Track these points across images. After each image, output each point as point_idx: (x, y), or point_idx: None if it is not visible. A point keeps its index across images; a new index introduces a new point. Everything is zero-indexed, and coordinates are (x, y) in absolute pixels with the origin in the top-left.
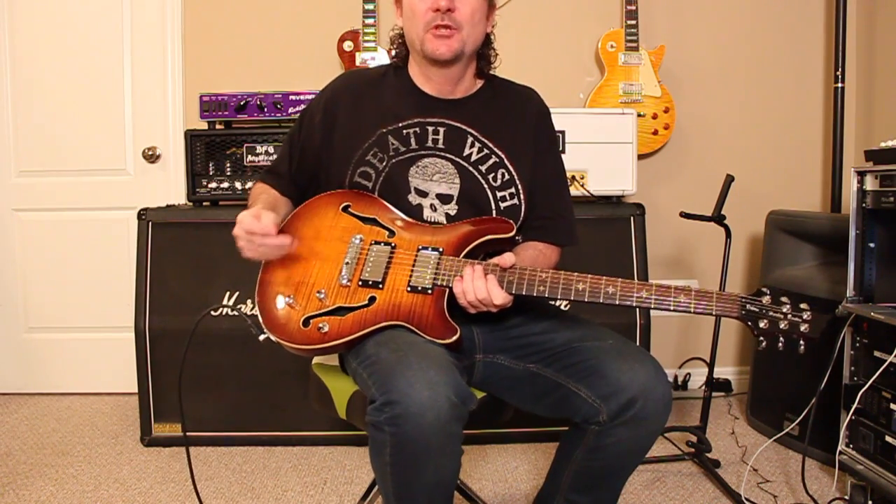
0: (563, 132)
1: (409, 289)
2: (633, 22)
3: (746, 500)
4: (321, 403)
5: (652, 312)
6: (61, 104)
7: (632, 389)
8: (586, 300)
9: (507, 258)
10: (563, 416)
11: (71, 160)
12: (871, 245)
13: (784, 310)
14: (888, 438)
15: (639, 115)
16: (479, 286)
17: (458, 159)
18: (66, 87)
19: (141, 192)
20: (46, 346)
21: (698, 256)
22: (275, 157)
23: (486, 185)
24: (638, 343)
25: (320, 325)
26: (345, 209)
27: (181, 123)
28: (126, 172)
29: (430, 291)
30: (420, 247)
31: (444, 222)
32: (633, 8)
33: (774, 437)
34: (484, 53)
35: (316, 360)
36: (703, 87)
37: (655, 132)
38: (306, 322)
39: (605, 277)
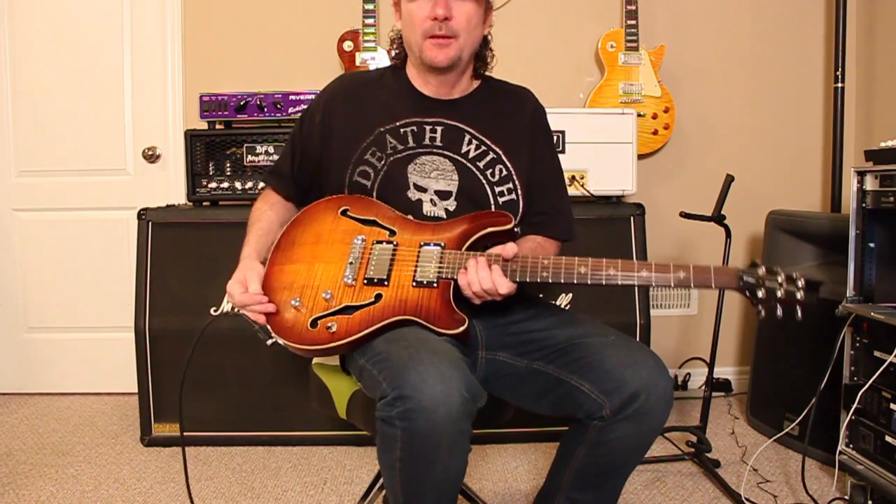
0: (563, 132)
1: (414, 283)
2: (633, 22)
3: (746, 500)
4: (321, 403)
5: (652, 312)
6: (61, 104)
7: (634, 384)
8: (589, 283)
9: (509, 248)
10: (566, 412)
11: (71, 160)
12: (871, 245)
13: (779, 279)
14: (888, 438)
15: (639, 115)
16: (483, 276)
17: (456, 156)
18: (65, 87)
19: (141, 192)
20: (46, 346)
21: (698, 256)
22: (275, 157)
23: (484, 181)
24: None
25: (328, 324)
26: (343, 213)
27: (181, 123)
28: (126, 172)
29: (435, 285)
30: (422, 243)
31: (444, 217)
32: (633, 8)
33: (774, 437)
34: (481, 54)
35: (316, 359)
36: (703, 87)
37: (655, 132)
38: (314, 323)
39: (605, 260)
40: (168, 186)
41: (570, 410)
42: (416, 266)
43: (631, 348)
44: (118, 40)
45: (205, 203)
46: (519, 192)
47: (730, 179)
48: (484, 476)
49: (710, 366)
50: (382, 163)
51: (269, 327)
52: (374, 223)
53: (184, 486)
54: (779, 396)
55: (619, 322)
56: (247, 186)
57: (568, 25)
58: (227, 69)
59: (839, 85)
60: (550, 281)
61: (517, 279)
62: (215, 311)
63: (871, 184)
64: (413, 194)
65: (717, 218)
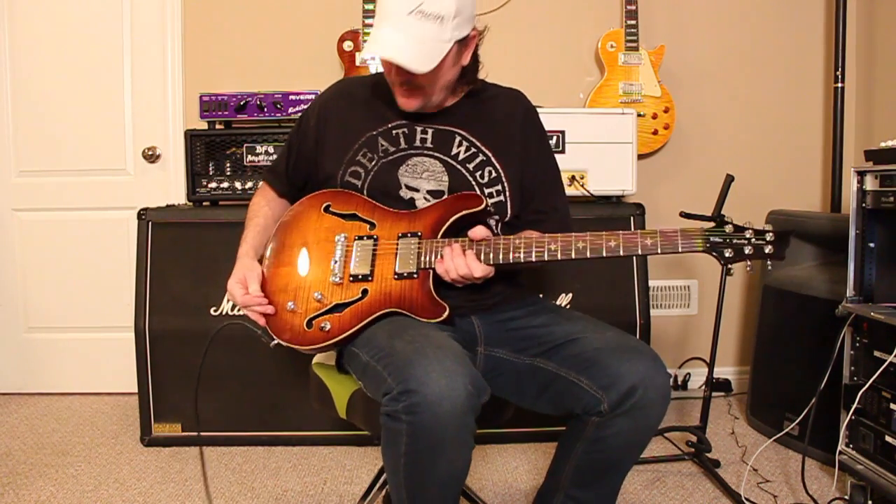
0: (563, 132)
1: (395, 276)
2: (633, 22)
3: (746, 499)
4: (321, 403)
5: (652, 312)
6: (61, 104)
7: (632, 379)
8: (559, 258)
9: (478, 231)
10: (565, 408)
11: (71, 160)
12: (871, 245)
13: (747, 235)
14: (888, 438)
15: (639, 115)
16: (459, 263)
17: (445, 158)
18: (66, 87)
19: (141, 192)
20: (46, 346)
21: (698, 256)
22: (275, 157)
23: (473, 182)
24: None
25: (322, 324)
26: (326, 209)
27: (181, 123)
28: (126, 172)
29: (415, 276)
30: (400, 234)
31: None
32: (633, 8)
33: (774, 437)
34: (466, 72)
35: (316, 359)
36: (703, 87)
37: (655, 132)
38: (309, 324)
39: (574, 234)
40: (168, 186)
41: (569, 406)
42: (397, 258)
43: (628, 344)
44: (118, 40)
45: (205, 203)
46: (507, 193)
47: (730, 179)
48: (484, 476)
49: (710, 366)
50: (373, 163)
51: (269, 329)
52: (354, 217)
53: (184, 486)
54: (779, 396)
55: (619, 322)
56: (247, 186)
57: (568, 25)
58: (227, 69)
59: (839, 85)
60: (522, 260)
61: (490, 262)
62: (215, 311)
63: (871, 184)
64: (405, 193)
65: (717, 218)
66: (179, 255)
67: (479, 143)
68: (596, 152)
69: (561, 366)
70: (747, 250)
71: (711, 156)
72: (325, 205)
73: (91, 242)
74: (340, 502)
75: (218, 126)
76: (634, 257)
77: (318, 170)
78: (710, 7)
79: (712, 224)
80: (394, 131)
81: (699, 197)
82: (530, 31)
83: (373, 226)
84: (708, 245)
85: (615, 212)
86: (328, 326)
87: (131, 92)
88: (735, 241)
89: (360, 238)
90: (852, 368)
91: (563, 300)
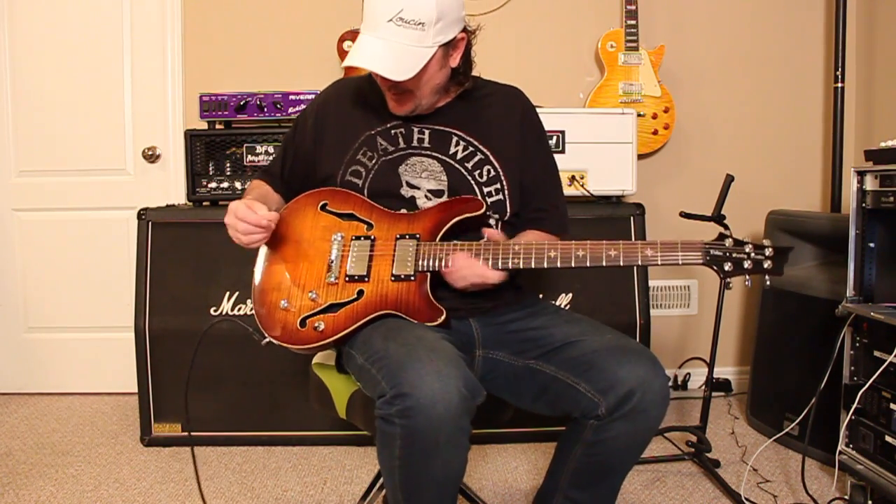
0: (563, 132)
1: (392, 278)
2: (633, 22)
3: (746, 499)
4: (321, 403)
5: (652, 312)
6: (61, 104)
7: (630, 382)
8: (559, 266)
9: (494, 234)
10: (563, 411)
11: (71, 160)
12: (871, 245)
13: (746, 250)
14: (888, 438)
15: (639, 115)
16: (473, 270)
17: (444, 157)
18: (66, 86)
19: (141, 192)
20: (46, 346)
21: None
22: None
23: (472, 181)
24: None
25: (316, 324)
26: (323, 208)
27: (181, 123)
28: (126, 172)
29: (412, 278)
30: (398, 236)
31: None
32: (633, 8)
33: (774, 437)
34: (458, 72)
35: (316, 359)
36: (703, 87)
37: (655, 132)
38: (303, 323)
39: (574, 242)
40: (168, 186)
41: (567, 409)
42: (394, 260)
43: (627, 347)
44: (118, 40)
45: (205, 203)
46: (506, 191)
47: (730, 179)
48: (484, 476)
49: (710, 366)
50: (374, 162)
51: (261, 327)
52: (351, 216)
53: (184, 486)
54: (779, 396)
55: (619, 322)
56: (247, 186)
57: (568, 25)
58: (227, 69)
59: (839, 85)
60: (522, 266)
61: (499, 266)
62: (215, 310)
63: (871, 184)
64: (407, 192)
65: (717, 218)
66: (179, 255)
67: (476, 143)
68: (596, 152)
69: (559, 369)
70: (746, 265)
71: (711, 156)
72: (321, 203)
73: (91, 242)
74: (340, 502)
75: (218, 126)
76: None
77: (317, 170)
78: (710, 7)
79: (714, 233)
80: (392, 131)
81: (699, 197)
82: (530, 31)
83: (370, 226)
84: (708, 258)
85: (615, 212)
86: (322, 326)
87: (131, 92)
88: (735, 254)
89: (358, 238)
90: (852, 368)
91: (563, 300)
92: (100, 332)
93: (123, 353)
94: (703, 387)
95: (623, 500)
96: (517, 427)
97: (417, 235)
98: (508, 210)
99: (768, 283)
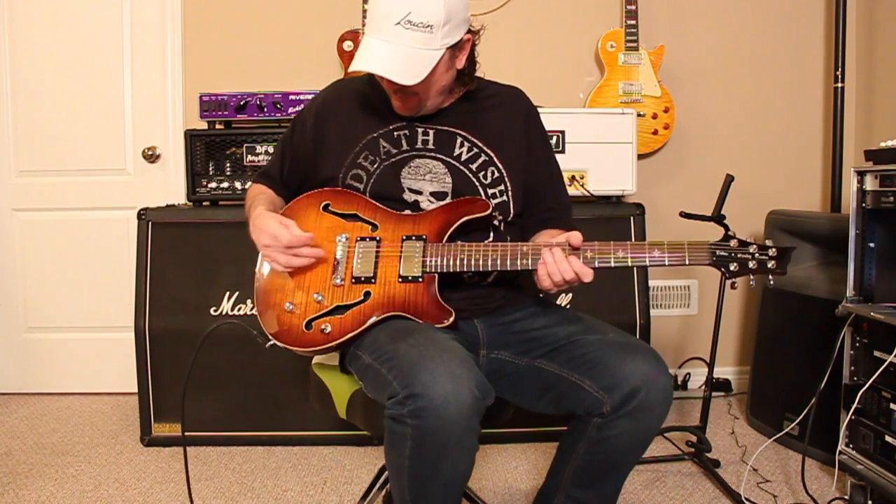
0: (563, 132)
1: (400, 279)
2: (633, 22)
3: (746, 499)
4: (321, 403)
5: (652, 312)
6: (61, 104)
7: (634, 380)
8: (597, 266)
9: (575, 237)
10: (567, 409)
11: (71, 160)
12: (871, 245)
13: (751, 250)
14: (888, 438)
15: (639, 115)
16: (564, 268)
17: (448, 159)
18: (66, 86)
19: (141, 192)
20: (46, 346)
21: None
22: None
23: (476, 183)
24: None
25: (322, 326)
26: (325, 208)
27: (181, 123)
28: (126, 172)
29: (420, 279)
30: (404, 236)
31: None
32: (633, 8)
33: (774, 437)
34: (463, 73)
35: (316, 359)
36: (703, 87)
37: (655, 132)
38: (308, 325)
39: (583, 243)
40: (168, 186)
41: (571, 407)
42: (401, 261)
43: (630, 345)
44: (118, 40)
45: (205, 203)
46: (510, 193)
47: (730, 179)
48: (484, 476)
49: (710, 366)
50: (375, 166)
51: (265, 329)
52: (355, 217)
53: (184, 486)
54: (779, 396)
55: (619, 322)
56: (247, 186)
57: (568, 25)
58: (227, 69)
59: (839, 85)
60: (519, 267)
61: (595, 266)
62: (215, 311)
63: (871, 184)
64: (409, 196)
65: (717, 218)
66: (179, 255)
67: (480, 144)
68: (596, 152)
69: (563, 367)
70: (751, 265)
71: (711, 156)
72: (324, 203)
73: (91, 242)
74: (340, 502)
75: (218, 126)
76: None
77: (317, 172)
78: (710, 7)
79: (714, 233)
80: (395, 133)
81: (699, 197)
82: (530, 31)
83: (375, 227)
84: (714, 258)
85: (615, 212)
86: (329, 328)
87: (131, 92)
88: (740, 255)
89: (363, 239)
90: (852, 368)
91: (564, 300)
92: (100, 332)
93: (123, 353)
94: (703, 387)
95: (623, 500)
96: (517, 427)
97: (424, 236)
98: (512, 211)
99: (772, 282)
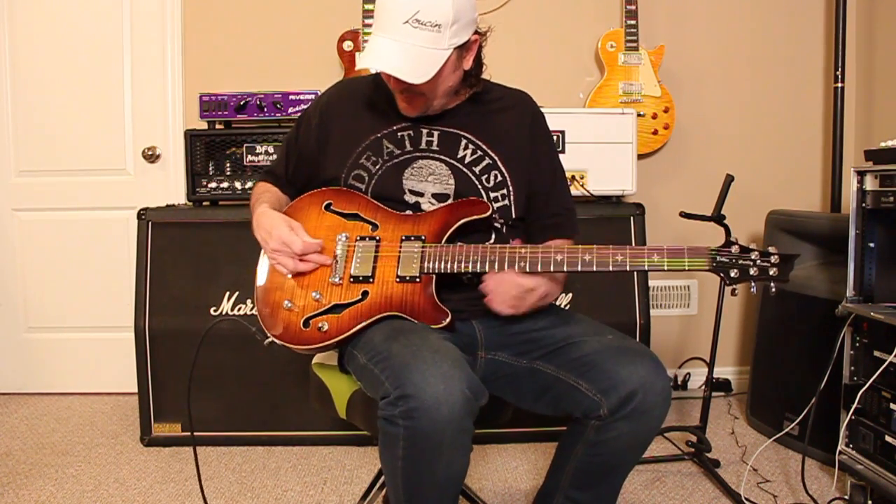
0: (563, 132)
1: (397, 280)
2: (633, 22)
3: (746, 499)
4: (321, 403)
5: (652, 312)
6: (61, 104)
7: (632, 383)
8: (565, 270)
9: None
10: (564, 411)
11: (71, 160)
12: (871, 245)
13: (752, 257)
14: (888, 438)
15: (639, 115)
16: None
17: (452, 161)
18: (65, 87)
19: (141, 191)
20: (46, 346)
21: None
22: (275, 157)
23: (479, 186)
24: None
25: (320, 324)
26: (327, 207)
27: (181, 123)
28: (126, 172)
29: (418, 280)
30: (403, 237)
31: None
32: (633, 8)
33: (774, 437)
34: (470, 74)
35: (316, 359)
36: (703, 87)
37: (655, 132)
38: (306, 323)
39: (581, 247)
40: (168, 186)
41: (569, 409)
42: (399, 262)
43: (628, 347)
44: (118, 40)
45: (205, 203)
46: (512, 197)
47: (730, 179)
48: (484, 476)
49: (710, 366)
50: (378, 167)
51: (264, 327)
52: (356, 217)
53: (184, 486)
54: (779, 396)
55: (619, 322)
56: (247, 186)
57: (568, 25)
58: (227, 69)
59: (839, 85)
60: (528, 270)
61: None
62: (215, 311)
63: (871, 184)
64: (410, 198)
65: (717, 218)
66: (179, 255)
67: (485, 147)
68: (596, 152)
69: (560, 369)
70: (752, 271)
71: (711, 156)
72: (325, 203)
73: (91, 242)
74: (340, 502)
75: (218, 126)
76: None
77: (320, 172)
78: (710, 7)
79: (715, 233)
80: (399, 133)
81: (699, 197)
82: (530, 31)
83: (375, 227)
84: (714, 264)
85: (615, 212)
86: (326, 327)
87: (131, 92)
88: (741, 261)
89: (363, 239)
90: (852, 368)
91: (563, 300)
92: (100, 332)
93: (123, 353)
94: (703, 387)
95: (623, 500)
96: (517, 427)
97: (423, 237)
98: (513, 215)
99: (773, 289)
